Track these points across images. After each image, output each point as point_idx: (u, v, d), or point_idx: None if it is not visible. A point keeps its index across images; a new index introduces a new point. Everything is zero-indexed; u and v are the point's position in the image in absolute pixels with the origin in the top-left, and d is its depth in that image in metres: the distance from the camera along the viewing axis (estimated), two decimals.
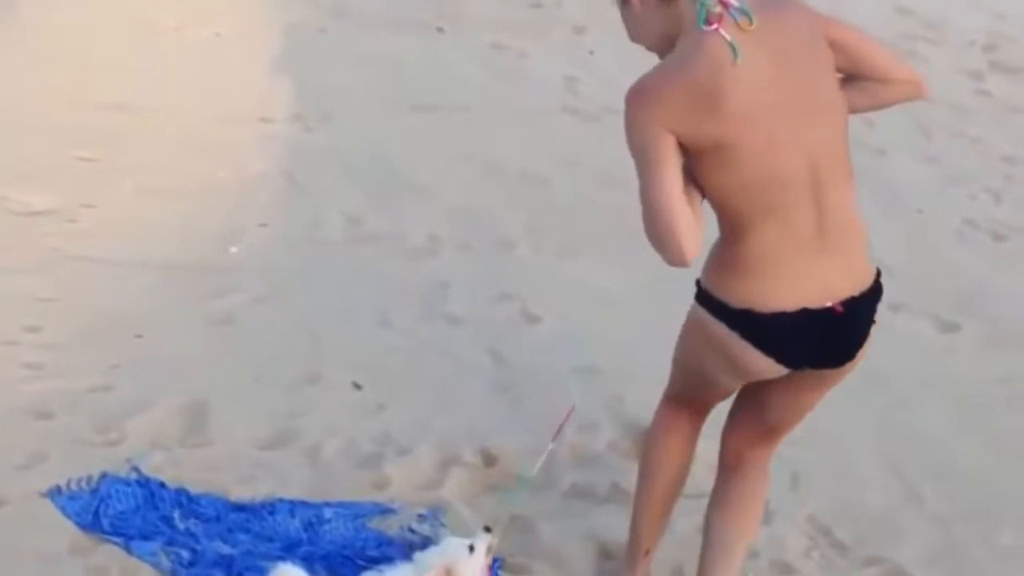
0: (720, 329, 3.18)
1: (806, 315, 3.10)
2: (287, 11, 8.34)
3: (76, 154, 6.24)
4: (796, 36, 3.09)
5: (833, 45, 3.16)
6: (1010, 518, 4.31)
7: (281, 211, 6.03)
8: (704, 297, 3.22)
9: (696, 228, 3.02)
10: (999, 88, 7.95)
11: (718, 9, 3.01)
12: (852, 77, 3.24)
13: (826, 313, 3.12)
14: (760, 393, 3.40)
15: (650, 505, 3.62)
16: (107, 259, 5.38)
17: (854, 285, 3.16)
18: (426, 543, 3.86)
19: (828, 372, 3.28)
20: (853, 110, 3.24)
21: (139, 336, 4.89)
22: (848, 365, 3.28)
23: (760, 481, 3.59)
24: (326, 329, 5.05)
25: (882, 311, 5.33)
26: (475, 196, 6.28)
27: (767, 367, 3.20)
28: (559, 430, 3.88)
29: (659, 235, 3.02)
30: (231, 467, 4.18)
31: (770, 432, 3.52)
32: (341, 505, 4.03)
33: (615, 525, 3.93)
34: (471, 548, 3.51)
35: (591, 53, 7.94)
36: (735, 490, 3.57)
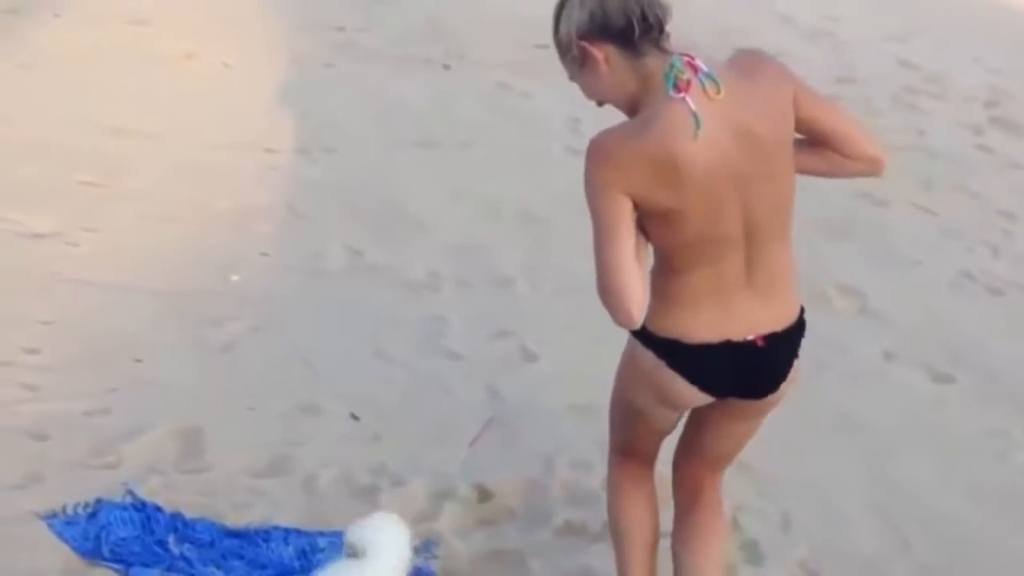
0: (649, 358, 3.26)
1: (729, 347, 3.20)
2: (295, 45, 8.42)
3: (79, 178, 6.30)
4: (762, 108, 3.08)
5: (804, 118, 3.17)
6: (993, 568, 4.32)
7: (282, 241, 6.08)
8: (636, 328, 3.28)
9: (644, 288, 3.08)
10: (999, 143, 8.01)
11: (686, 75, 2.99)
12: (816, 144, 3.26)
13: (748, 346, 3.21)
14: (699, 427, 3.53)
15: (639, 562, 3.63)
16: (107, 283, 5.42)
17: (776, 322, 3.25)
18: (418, 573, 3.88)
19: (754, 403, 3.38)
20: (805, 172, 3.26)
21: (138, 360, 4.92)
22: (772, 397, 3.37)
23: (718, 507, 3.66)
24: (323, 360, 5.07)
25: (875, 360, 5.47)
26: (475, 233, 6.32)
27: (693, 396, 3.29)
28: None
29: (609, 293, 3.06)
30: (226, 493, 4.20)
31: (712, 462, 3.63)
32: (335, 535, 4.02)
33: (607, 563, 3.94)
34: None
35: None
36: (700, 524, 3.63)
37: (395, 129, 7.46)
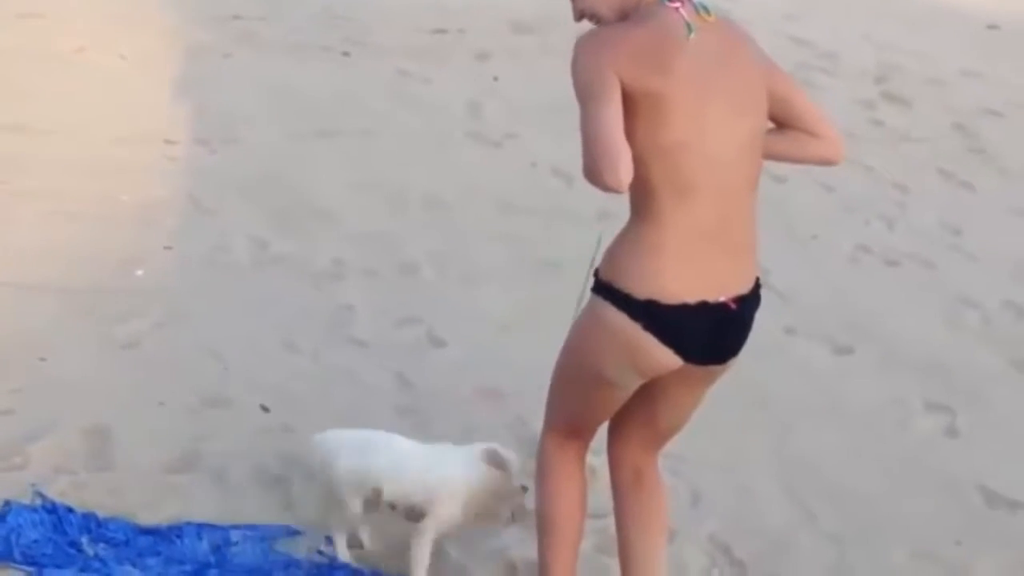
0: (621, 320, 3.25)
1: (705, 309, 3.24)
2: (192, 35, 8.33)
3: None
4: (743, 61, 3.27)
5: (773, 94, 3.32)
6: (901, 538, 4.42)
7: (186, 234, 6.04)
8: (606, 288, 3.28)
9: (630, 157, 3.06)
10: (890, 117, 8.18)
11: None
12: (782, 126, 3.40)
13: (721, 308, 3.26)
14: (650, 397, 3.48)
15: (564, 555, 3.61)
16: (9, 282, 5.35)
17: (742, 284, 3.32)
18: (333, 565, 3.89)
19: (713, 368, 3.41)
20: (772, 156, 3.41)
21: (42, 359, 4.87)
22: (731, 361, 3.43)
23: (660, 488, 3.68)
24: (232, 352, 5.06)
25: (776, 334, 5.58)
26: (379, 221, 6.33)
27: (666, 360, 3.29)
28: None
29: (596, 158, 3.07)
30: (137, 491, 4.17)
31: (661, 435, 3.62)
32: (249, 527, 4.04)
33: (522, 543, 4.00)
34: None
35: (495, 79, 8.04)
36: (644, 504, 3.64)
37: (296, 118, 7.43)
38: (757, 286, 3.39)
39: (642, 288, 3.22)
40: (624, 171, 3.04)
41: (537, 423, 4.46)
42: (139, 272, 5.60)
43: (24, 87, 7.18)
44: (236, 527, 4.04)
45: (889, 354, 5.57)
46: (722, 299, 3.26)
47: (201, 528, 4.01)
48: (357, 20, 8.95)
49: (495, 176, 6.79)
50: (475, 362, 5.16)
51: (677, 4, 3.19)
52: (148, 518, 4.05)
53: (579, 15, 3.32)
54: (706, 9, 3.22)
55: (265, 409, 4.71)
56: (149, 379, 4.82)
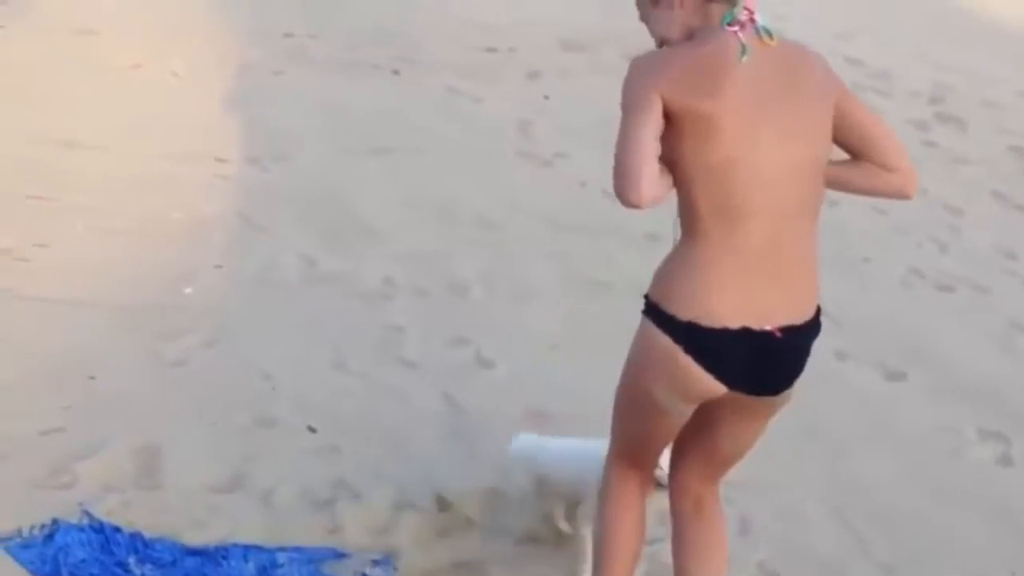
0: (665, 342, 3.24)
1: (747, 335, 3.19)
2: (244, 53, 8.37)
3: (28, 192, 6.23)
4: (804, 86, 3.19)
5: (844, 122, 3.23)
6: (953, 567, 4.37)
7: (235, 252, 6.05)
8: (651, 308, 3.28)
9: (659, 180, 3.10)
10: (944, 139, 8.10)
11: (744, 16, 3.17)
12: (855, 156, 3.31)
13: (765, 336, 3.20)
14: (708, 425, 3.46)
15: None
16: (60, 299, 5.38)
17: (794, 315, 3.24)
18: None
19: (767, 400, 3.35)
20: (841, 187, 3.34)
21: (92, 377, 4.89)
22: (785, 394, 3.37)
23: (720, 518, 3.64)
24: (280, 371, 5.06)
25: (828, 359, 5.51)
26: (429, 240, 6.32)
27: (708, 386, 3.26)
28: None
29: (620, 175, 3.09)
30: (184, 511, 4.18)
31: (721, 465, 3.58)
32: (295, 550, 4.03)
33: (567, 569, 3.97)
34: None
35: (546, 98, 8.03)
36: (703, 533, 3.60)
37: (346, 136, 7.44)
38: (816, 318, 3.31)
39: (685, 310, 3.20)
40: (646, 188, 3.06)
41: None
42: (188, 290, 5.62)
43: (77, 103, 7.23)
44: (283, 549, 4.04)
45: (942, 380, 5.51)
46: (767, 327, 3.20)
47: (247, 550, 4.01)
48: (408, 38, 8.97)
49: (544, 195, 6.77)
50: (523, 383, 5.14)
51: (736, 27, 3.17)
52: (195, 539, 4.05)
53: (658, 40, 3.33)
54: (768, 33, 3.18)
55: (312, 430, 4.71)
56: (198, 398, 4.83)
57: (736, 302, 3.18)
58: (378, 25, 9.14)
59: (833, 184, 3.30)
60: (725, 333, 3.18)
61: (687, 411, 3.40)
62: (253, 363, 5.09)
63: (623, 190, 3.09)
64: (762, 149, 3.14)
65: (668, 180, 3.16)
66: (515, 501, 4.39)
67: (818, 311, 3.32)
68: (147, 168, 6.64)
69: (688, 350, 3.21)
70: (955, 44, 9.70)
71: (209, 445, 4.55)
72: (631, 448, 3.57)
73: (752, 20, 3.18)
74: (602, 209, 6.63)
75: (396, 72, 8.44)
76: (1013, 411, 5.30)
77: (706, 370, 3.23)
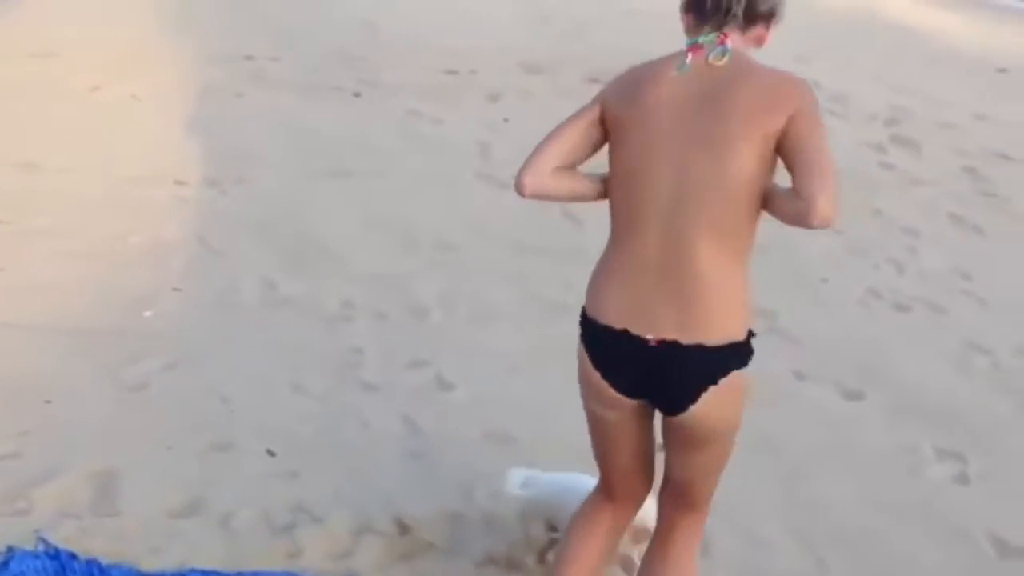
0: (579, 341, 3.40)
1: (627, 338, 3.25)
2: (204, 75, 8.37)
3: None
4: (735, 105, 3.18)
5: (787, 139, 3.15)
6: None
7: (195, 275, 6.04)
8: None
9: (548, 174, 3.30)
10: (900, 160, 8.18)
11: (711, 40, 3.26)
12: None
13: (643, 344, 3.24)
14: (665, 449, 3.53)
15: None
16: (17, 323, 5.35)
17: (684, 333, 3.22)
18: None
19: (676, 421, 3.35)
20: (769, 211, 3.23)
21: (49, 402, 4.86)
22: (689, 417, 3.32)
23: (685, 554, 3.62)
24: (239, 395, 5.05)
25: (787, 379, 5.55)
26: (389, 262, 6.33)
27: (601, 384, 3.36)
28: None
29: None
30: (142, 537, 4.15)
31: (677, 488, 3.59)
32: (254, 575, 4.02)
33: None
34: None
35: (505, 120, 8.06)
36: (660, 565, 3.62)
37: (307, 158, 7.45)
38: (725, 346, 3.24)
39: (588, 306, 3.36)
40: (528, 176, 3.29)
41: (545, 467, 4.48)
42: (148, 313, 5.60)
43: (37, 125, 7.21)
44: (241, 574, 4.01)
45: (899, 400, 5.54)
46: (648, 336, 3.23)
47: (206, 575, 3.99)
48: (369, 60, 9.00)
49: (504, 217, 6.79)
50: (483, 405, 5.14)
51: (690, 52, 3.25)
52: (153, 565, 4.02)
53: None
54: (722, 54, 3.23)
55: (272, 454, 4.69)
56: (157, 422, 4.81)
57: (624, 305, 3.26)
58: (340, 47, 9.17)
59: (766, 207, 3.24)
60: (608, 331, 3.28)
61: (613, 418, 3.44)
62: (212, 387, 5.08)
63: (517, 174, 3.31)
64: (664, 163, 3.19)
65: (567, 183, 3.34)
66: (476, 523, 4.41)
67: (741, 343, 3.26)
68: (106, 191, 6.63)
69: (585, 345, 3.36)
70: (912, 67, 9.82)
71: (167, 470, 4.52)
72: (599, 467, 3.63)
73: (722, 44, 3.24)
74: (562, 231, 6.67)
75: (357, 94, 8.46)
76: (969, 430, 5.34)
77: (595, 366, 3.34)
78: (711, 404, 3.31)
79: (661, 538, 3.64)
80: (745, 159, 3.17)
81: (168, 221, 6.52)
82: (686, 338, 3.22)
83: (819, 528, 4.65)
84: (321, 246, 6.43)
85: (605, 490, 3.66)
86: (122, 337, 5.37)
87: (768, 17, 3.33)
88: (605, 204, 3.36)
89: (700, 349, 3.23)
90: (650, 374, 3.28)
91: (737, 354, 3.29)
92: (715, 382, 3.28)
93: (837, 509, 4.78)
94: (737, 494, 4.70)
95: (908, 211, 7.47)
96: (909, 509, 4.83)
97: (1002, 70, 10.13)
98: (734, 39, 3.27)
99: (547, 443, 4.77)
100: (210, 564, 4.05)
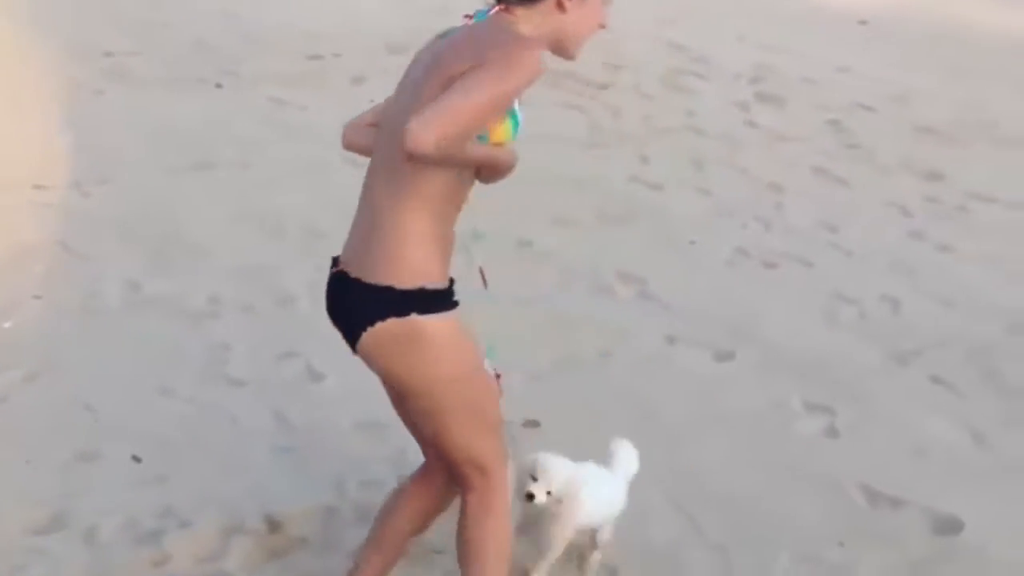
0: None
1: (334, 263, 3.43)
2: (62, 73, 8.20)
3: None
4: (445, 58, 3.23)
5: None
6: (785, 542, 4.42)
7: (56, 281, 5.92)
8: None
9: (358, 128, 3.53)
10: (764, 117, 8.26)
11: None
12: None
13: (335, 267, 3.41)
14: None
15: (373, 559, 3.76)
16: None
17: (353, 264, 3.35)
18: None
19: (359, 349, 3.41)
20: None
21: None
22: (365, 351, 3.39)
23: (471, 530, 3.61)
24: (104, 402, 4.95)
25: (659, 344, 5.57)
26: (256, 253, 6.26)
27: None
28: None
29: None
30: (3, 556, 4.05)
31: (435, 453, 3.65)
32: None
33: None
34: None
35: (371, 102, 7.95)
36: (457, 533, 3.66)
37: (170, 153, 7.33)
38: (381, 288, 3.27)
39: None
40: (347, 130, 3.59)
41: (416, 454, 4.45)
42: (7, 324, 5.48)
43: None
44: None
45: (769, 356, 5.60)
46: (342, 264, 3.37)
47: None
48: (231, 50, 8.87)
49: None
50: (354, 394, 5.07)
51: (467, 17, 3.36)
52: None
53: None
54: (480, 16, 3.33)
55: (137, 459, 4.61)
56: (16, 436, 4.70)
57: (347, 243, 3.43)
58: (199, 39, 9.03)
59: None
60: (336, 261, 3.43)
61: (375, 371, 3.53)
62: (75, 396, 4.98)
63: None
64: (394, 113, 3.29)
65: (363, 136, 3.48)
66: (348, 516, 4.37)
67: (404, 292, 3.25)
68: None
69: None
70: (774, 25, 9.91)
71: (28, 484, 4.43)
72: None
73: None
74: None
75: (219, 85, 8.34)
76: (838, 382, 5.41)
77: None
78: (372, 344, 3.35)
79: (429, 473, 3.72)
80: (423, 102, 3.17)
81: (27, 227, 6.38)
82: (354, 271, 3.34)
83: (694, 492, 4.69)
84: (186, 242, 6.33)
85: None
86: None
87: None
88: None
89: (359, 284, 3.33)
90: (332, 306, 3.43)
91: (397, 300, 3.27)
92: (372, 322, 3.31)
93: (712, 471, 4.82)
94: None
95: (774, 168, 7.55)
96: (781, 466, 4.88)
97: (863, 22, 10.26)
98: (518, 12, 3.29)
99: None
100: None
